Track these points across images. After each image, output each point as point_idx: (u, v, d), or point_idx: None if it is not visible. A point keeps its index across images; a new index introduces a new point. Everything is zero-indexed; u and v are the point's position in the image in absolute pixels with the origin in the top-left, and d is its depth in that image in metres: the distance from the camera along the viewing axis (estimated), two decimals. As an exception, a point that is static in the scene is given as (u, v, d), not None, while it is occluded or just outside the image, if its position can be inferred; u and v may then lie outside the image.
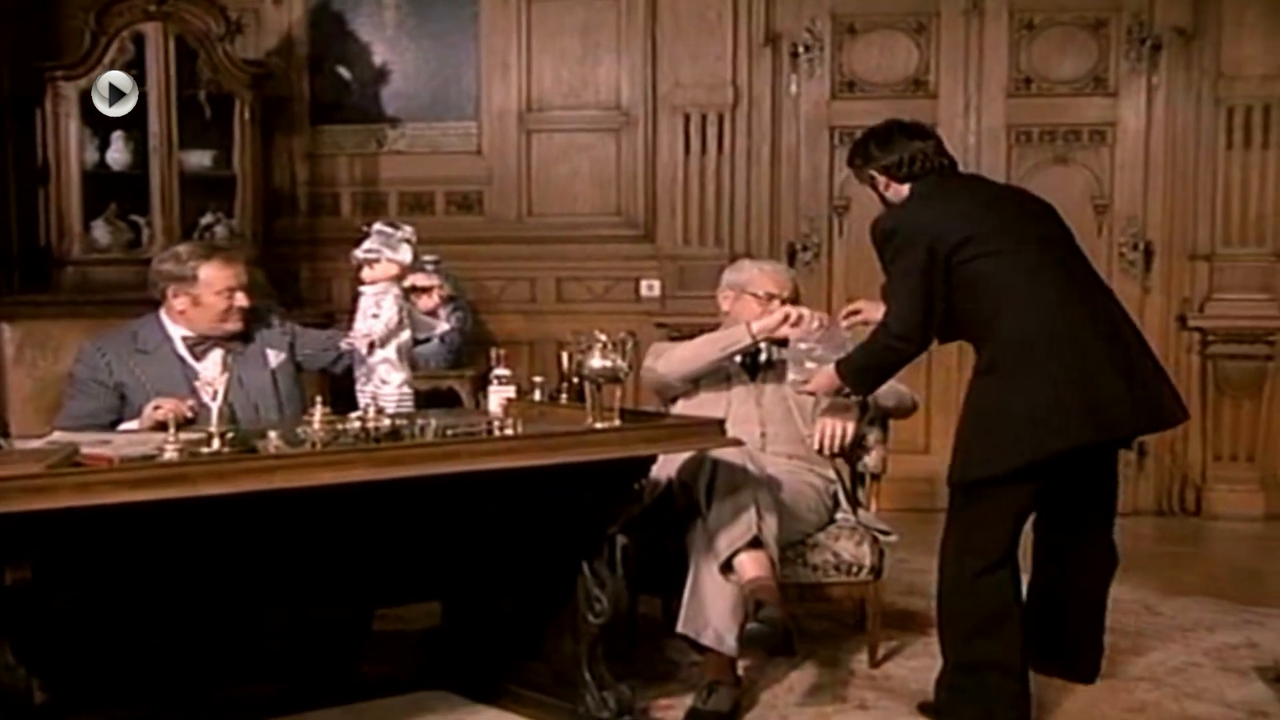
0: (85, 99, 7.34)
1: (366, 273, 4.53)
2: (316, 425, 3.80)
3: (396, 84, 8.14)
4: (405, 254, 4.58)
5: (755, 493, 4.57)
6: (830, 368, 4.79)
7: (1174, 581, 6.22)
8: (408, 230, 4.62)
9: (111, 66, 7.28)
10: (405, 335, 4.57)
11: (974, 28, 7.77)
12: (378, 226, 4.60)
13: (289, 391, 4.82)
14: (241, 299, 4.76)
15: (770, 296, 5.19)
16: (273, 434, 3.78)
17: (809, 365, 4.94)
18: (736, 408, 5.07)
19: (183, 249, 4.91)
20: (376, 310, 4.49)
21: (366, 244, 4.56)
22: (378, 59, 8.12)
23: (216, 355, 4.68)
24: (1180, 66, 7.65)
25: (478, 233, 8.10)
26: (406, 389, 4.52)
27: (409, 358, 4.60)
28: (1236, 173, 7.56)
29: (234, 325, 4.77)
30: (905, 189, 4.69)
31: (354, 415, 3.95)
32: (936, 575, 4.54)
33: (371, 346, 4.48)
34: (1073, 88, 7.76)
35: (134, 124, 7.41)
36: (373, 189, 8.17)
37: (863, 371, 4.71)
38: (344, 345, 4.69)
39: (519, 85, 8.09)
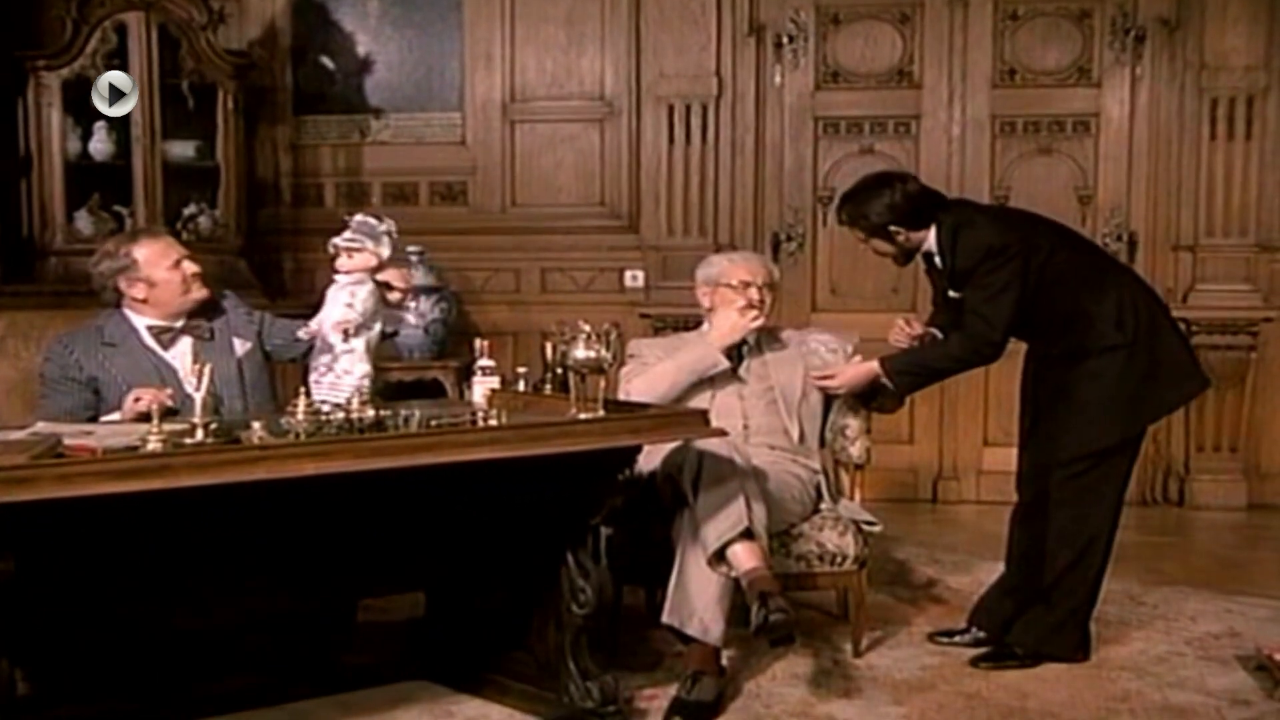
0: (67, 89, 7.32)
1: (344, 262, 4.52)
2: (300, 416, 3.79)
3: (380, 74, 8.13)
4: (386, 248, 4.58)
5: (743, 483, 4.57)
6: (869, 362, 5.07)
7: (1157, 571, 6.24)
8: (390, 224, 4.62)
9: (93, 56, 7.27)
10: (376, 328, 4.58)
11: (958, 18, 7.77)
12: (359, 218, 4.59)
13: (254, 380, 4.80)
14: (191, 265, 4.76)
15: (745, 284, 5.17)
16: (256, 425, 3.77)
17: (828, 356, 5.29)
18: (719, 399, 5.07)
19: (109, 244, 4.87)
20: (351, 300, 4.48)
21: (348, 233, 4.55)
22: (361, 49, 8.11)
23: (185, 343, 4.69)
24: (1164, 57, 7.66)
25: (462, 223, 8.10)
26: (367, 382, 4.50)
27: (374, 350, 4.61)
28: (1220, 163, 7.57)
29: (199, 293, 4.76)
30: (929, 233, 4.96)
31: (337, 405, 3.95)
32: (1056, 538, 4.90)
33: (346, 334, 4.47)
34: (1056, 78, 7.77)
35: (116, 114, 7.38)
36: (356, 180, 8.18)
37: (922, 372, 5.07)
38: (302, 334, 4.65)
39: (503, 76, 8.09)
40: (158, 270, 4.70)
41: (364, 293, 4.48)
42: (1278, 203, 7.65)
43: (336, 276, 4.54)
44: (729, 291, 5.18)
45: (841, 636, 5.15)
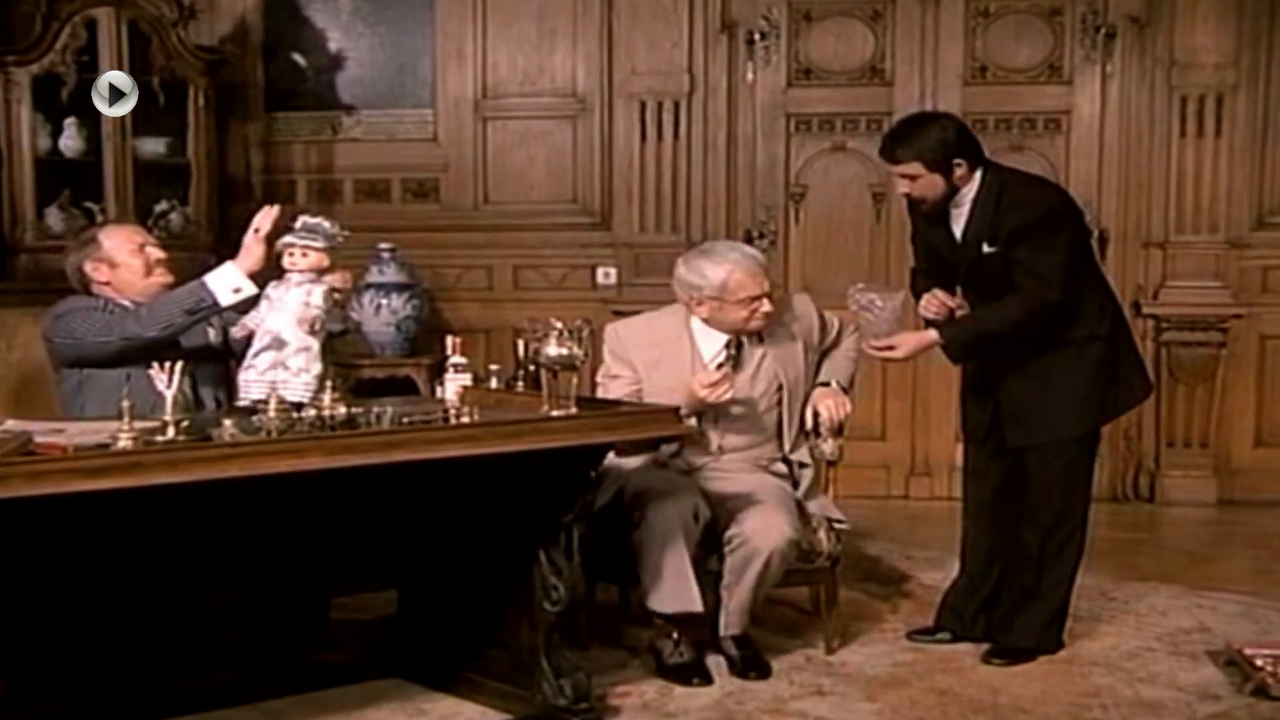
0: (37, 84, 7.29)
1: (298, 261, 4.49)
2: (271, 413, 3.79)
3: (352, 71, 8.11)
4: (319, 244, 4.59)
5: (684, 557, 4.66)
6: (928, 332, 5.00)
7: (1128, 567, 6.27)
8: (339, 227, 4.59)
9: (63, 52, 7.24)
10: (329, 328, 4.57)
11: (930, 15, 7.79)
12: (305, 219, 4.56)
13: (213, 377, 4.83)
14: (155, 252, 4.84)
15: (754, 299, 4.91)
16: (227, 423, 3.77)
17: (880, 318, 4.98)
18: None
19: (83, 234, 5.03)
20: (307, 298, 4.46)
21: (301, 233, 4.53)
22: (333, 45, 8.09)
23: None
24: (1134, 55, 7.69)
25: (434, 220, 8.08)
26: (315, 383, 4.48)
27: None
28: (1190, 161, 7.60)
29: (162, 278, 4.79)
30: (975, 178, 4.91)
31: (308, 402, 3.94)
32: (1041, 532, 4.96)
33: (312, 329, 4.46)
34: (1028, 75, 7.79)
35: (87, 110, 7.35)
36: (328, 176, 8.14)
37: (979, 339, 4.96)
38: (236, 333, 4.60)
39: (475, 72, 8.06)
40: (120, 253, 4.78)
41: (320, 291, 4.46)
42: (1247, 200, 7.68)
43: (289, 275, 4.51)
44: (737, 307, 4.92)
45: (815, 633, 5.17)
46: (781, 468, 5.09)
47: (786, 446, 5.08)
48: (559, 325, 4.16)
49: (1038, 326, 4.84)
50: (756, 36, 7.87)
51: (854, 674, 4.84)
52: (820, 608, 5.20)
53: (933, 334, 4.96)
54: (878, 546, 6.55)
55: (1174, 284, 7.62)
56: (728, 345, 5.01)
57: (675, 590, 4.66)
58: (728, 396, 4.85)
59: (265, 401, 3.93)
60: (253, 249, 4.54)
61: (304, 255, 4.45)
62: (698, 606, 4.68)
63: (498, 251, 8.09)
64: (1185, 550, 6.77)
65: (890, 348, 4.98)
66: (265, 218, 4.56)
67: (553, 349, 4.15)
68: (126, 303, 4.74)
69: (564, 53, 8.02)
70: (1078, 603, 5.22)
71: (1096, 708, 4.56)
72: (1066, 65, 7.77)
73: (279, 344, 4.43)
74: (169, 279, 4.80)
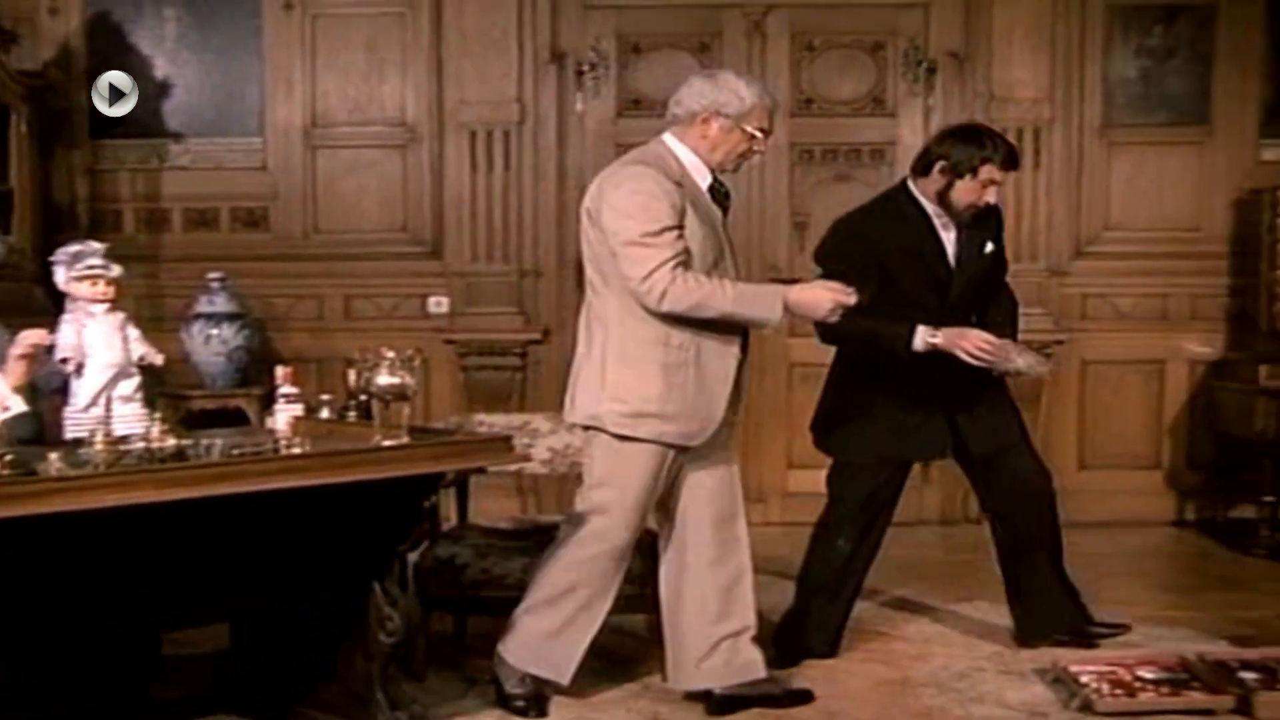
0: None
1: (101, 289, 4.42)
2: (99, 446, 3.74)
3: (179, 98, 8.01)
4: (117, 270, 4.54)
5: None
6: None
7: (958, 588, 6.36)
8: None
9: (-122, 78, 7.09)
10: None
11: (756, 48, 7.92)
12: (75, 248, 4.49)
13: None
14: None
15: (765, 132, 4.66)
16: (53, 456, 3.70)
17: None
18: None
19: None
20: (123, 330, 4.41)
21: (88, 261, 4.46)
22: (159, 72, 7.98)
23: None
24: (955, 88, 7.90)
25: (264, 250, 8.00)
26: (143, 413, 4.41)
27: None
28: (1009, 192, 7.73)
29: None
30: None
31: (136, 435, 3.90)
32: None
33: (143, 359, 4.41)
34: (852, 108, 7.94)
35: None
36: (156, 205, 8.02)
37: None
38: (68, 369, 4.52)
39: (304, 101, 8.02)
40: None
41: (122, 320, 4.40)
42: (1066, 229, 7.91)
43: (90, 307, 4.43)
44: (740, 137, 4.62)
45: (653, 660, 5.16)
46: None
47: None
48: (390, 354, 4.16)
49: None
50: (586, 67, 7.92)
51: (693, 701, 4.86)
52: (659, 635, 5.19)
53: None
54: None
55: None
56: (714, 189, 4.70)
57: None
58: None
59: (93, 435, 3.87)
60: (15, 368, 4.40)
61: (108, 284, 4.39)
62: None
63: (329, 281, 8.04)
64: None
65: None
66: (30, 340, 4.40)
67: (384, 378, 4.15)
68: None
69: (394, 82, 8.01)
70: (909, 625, 5.34)
71: (928, 728, 4.65)
72: (890, 98, 7.95)
73: (103, 376, 4.38)
74: None
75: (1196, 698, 4.78)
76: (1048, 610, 5.43)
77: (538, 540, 5.12)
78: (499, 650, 4.70)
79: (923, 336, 5.01)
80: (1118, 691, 4.82)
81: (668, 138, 4.67)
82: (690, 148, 4.63)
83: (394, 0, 7.98)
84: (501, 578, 5.03)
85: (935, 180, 5.15)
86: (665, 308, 4.40)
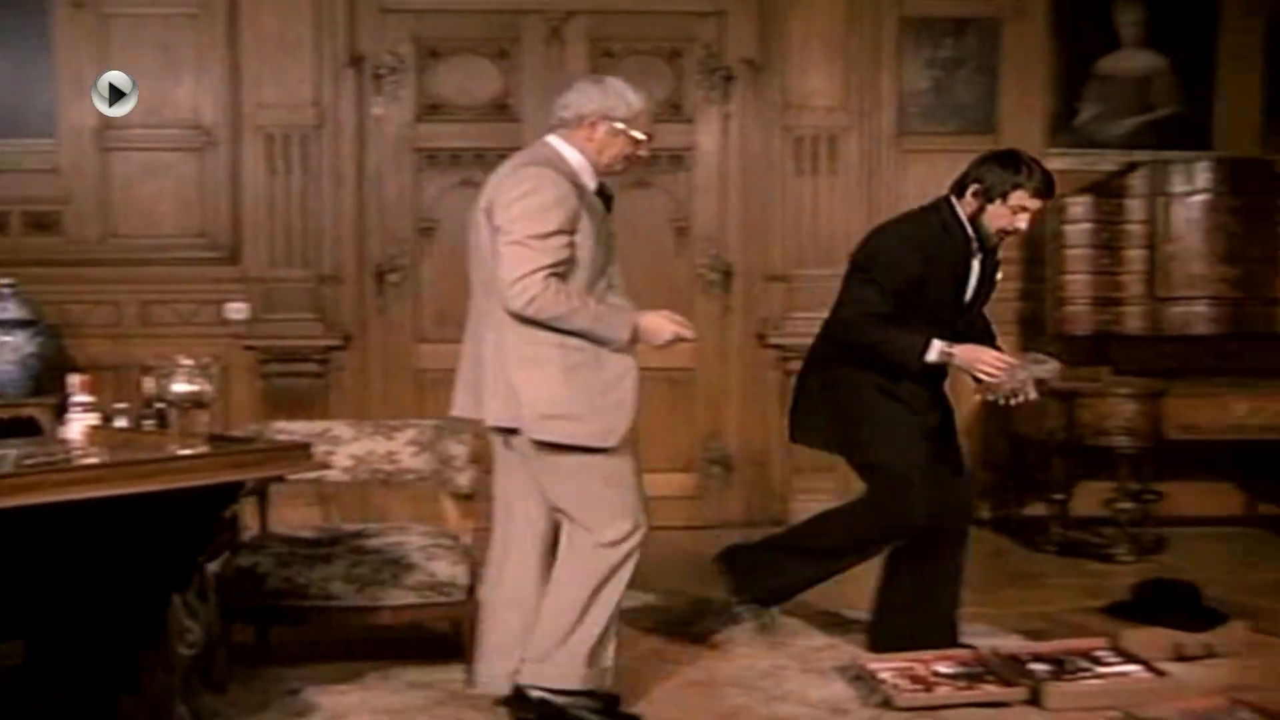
0: None
1: None
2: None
3: (-34, 99, 7.80)
4: None
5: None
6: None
7: (757, 589, 6.45)
8: None
9: None
10: None
11: (555, 54, 7.95)
12: None
13: None
14: None
15: (645, 141, 4.73)
16: None
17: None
18: None
19: None
20: None
21: None
22: (-56, 72, 7.77)
23: None
24: (751, 96, 8.02)
25: (57, 254, 7.82)
26: None
27: None
28: (806, 198, 7.94)
29: None
30: None
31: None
32: None
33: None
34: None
35: None
36: (-59, 208, 7.81)
37: None
38: None
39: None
40: None
41: None
42: (861, 236, 7.95)
43: None
44: (625, 141, 4.68)
45: (454, 668, 5.17)
46: None
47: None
48: (187, 362, 4.12)
49: None
50: (384, 71, 7.89)
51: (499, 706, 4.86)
52: (463, 639, 5.15)
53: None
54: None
55: (797, 315, 7.81)
56: (602, 192, 4.73)
57: None
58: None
59: None
60: None
61: None
62: None
63: (125, 286, 7.88)
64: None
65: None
66: None
67: (180, 385, 4.11)
68: None
69: (189, 84, 7.88)
70: (712, 626, 5.47)
71: (732, 727, 4.72)
72: (688, 104, 8.05)
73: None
74: None
75: (991, 690, 4.96)
76: (914, 624, 5.43)
77: (340, 548, 5.11)
78: None
79: (939, 350, 5.12)
80: (916, 687, 4.97)
81: (554, 139, 4.68)
82: (577, 149, 4.65)
83: (188, 1, 7.85)
84: (304, 587, 5.00)
85: (969, 203, 5.24)
86: (529, 313, 4.41)
